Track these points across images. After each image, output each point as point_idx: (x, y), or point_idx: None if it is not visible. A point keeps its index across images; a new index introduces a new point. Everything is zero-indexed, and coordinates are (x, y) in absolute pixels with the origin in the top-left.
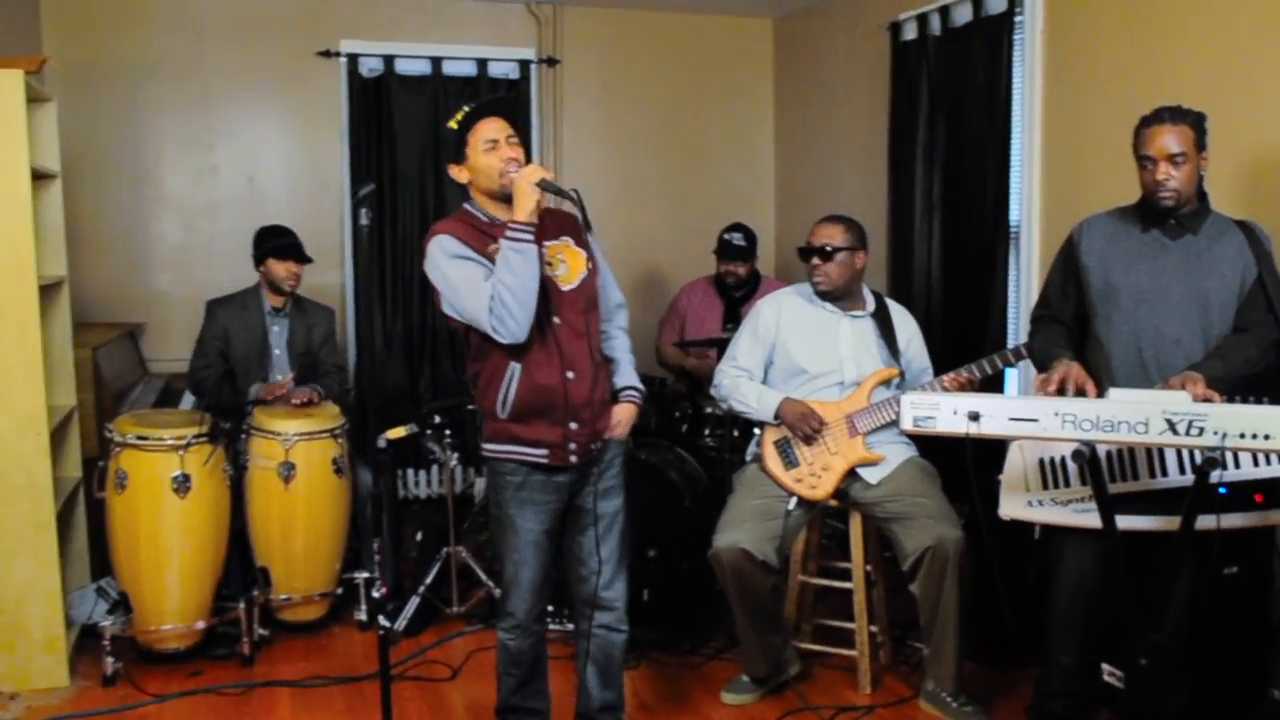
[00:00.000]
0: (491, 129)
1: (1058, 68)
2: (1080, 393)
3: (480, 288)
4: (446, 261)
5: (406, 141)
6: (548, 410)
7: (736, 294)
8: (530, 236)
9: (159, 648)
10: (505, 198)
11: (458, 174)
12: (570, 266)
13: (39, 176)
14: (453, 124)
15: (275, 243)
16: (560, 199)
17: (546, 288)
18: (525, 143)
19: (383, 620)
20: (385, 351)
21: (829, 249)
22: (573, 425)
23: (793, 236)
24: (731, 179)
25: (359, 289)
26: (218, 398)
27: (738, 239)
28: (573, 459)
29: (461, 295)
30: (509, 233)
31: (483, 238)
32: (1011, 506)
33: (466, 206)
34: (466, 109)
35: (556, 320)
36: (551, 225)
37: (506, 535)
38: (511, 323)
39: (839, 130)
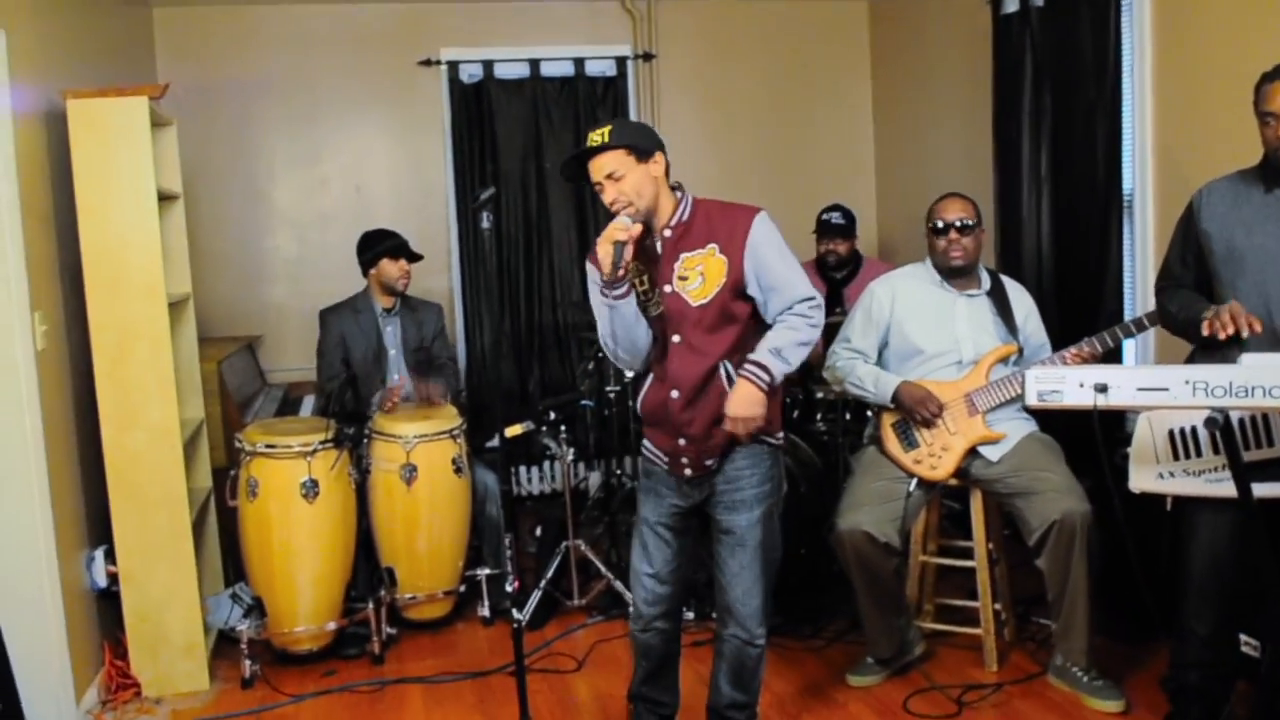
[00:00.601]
0: (595, 170)
1: (1168, 29)
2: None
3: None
4: (590, 288)
5: (508, 144)
6: (659, 422)
7: (838, 275)
8: (613, 294)
9: (293, 649)
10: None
11: (652, 166)
12: (707, 279)
13: (163, 198)
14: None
15: (387, 244)
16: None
17: (669, 303)
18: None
19: (516, 614)
20: (495, 352)
21: (966, 224)
22: (681, 441)
23: (894, 218)
24: (831, 164)
25: (467, 290)
26: (341, 404)
27: (836, 217)
28: (687, 472)
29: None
30: (600, 288)
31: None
32: (1142, 479)
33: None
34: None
35: (676, 339)
36: (701, 229)
37: (636, 520)
38: (619, 359)
39: (940, 108)
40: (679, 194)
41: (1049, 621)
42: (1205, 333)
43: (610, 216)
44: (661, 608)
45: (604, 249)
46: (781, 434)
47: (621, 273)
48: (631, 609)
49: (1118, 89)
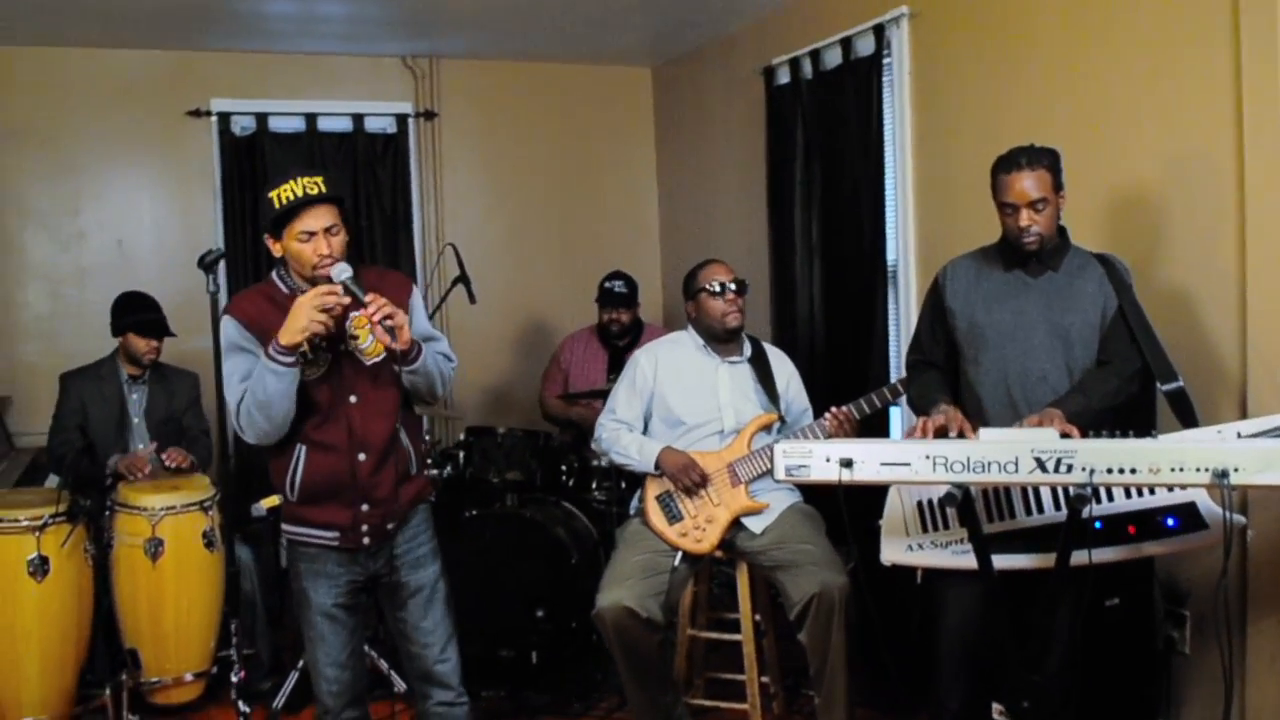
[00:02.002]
0: (312, 221)
1: (926, 107)
2: (961, 436)
3: (238, 386)
4: (225, 350)
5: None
6: (336, 493)
7: (620, 343)
8: (290, 360)
9: None
10: (314, 281)
11: (272, 245)
12: (376, 340)
13: None
14: (274, 198)
15: (137, 318)
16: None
17: (342, 363)
18: (405, 197)
19: (242, 706)
20: None
21: (742, 285)
22: (364, 507)
23: (678, 284)
24: (616, 227)
25: None
26: (76, 472)
27: (619, 286)
28: (365, 540)
29: (227, 387)
30: (270, 350)
31: (279, 313)
32: (892, 551)
33: (274, 276)
34: (290, 193)
35: (353, 399)
36: (369, 288)
37: (303, 610)
38: (253, 432)
39: (720, 175)
40: None
41: (814, 694)
42: (907, 434)
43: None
44: (348, 696)
45: (306, 307)
46: (432, 492)
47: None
48: (319, 707)
49: (881, 163)
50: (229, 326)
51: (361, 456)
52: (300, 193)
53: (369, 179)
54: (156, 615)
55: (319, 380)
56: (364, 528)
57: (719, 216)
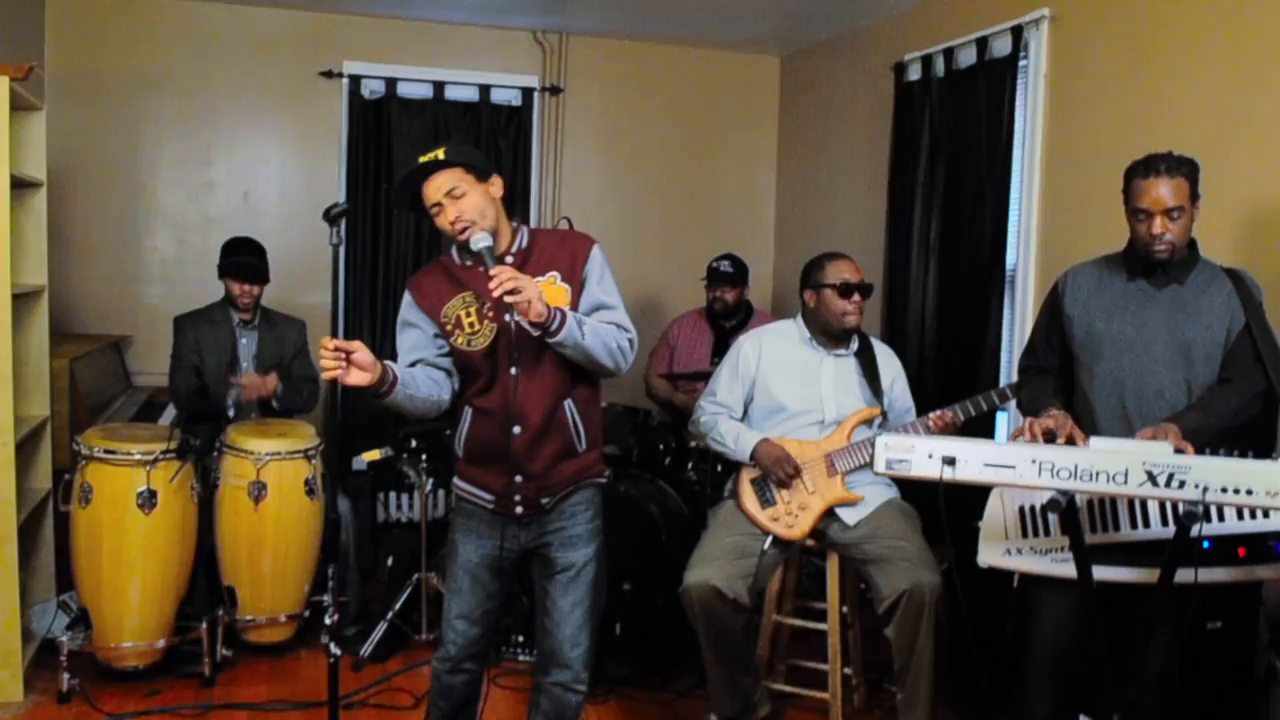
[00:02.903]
0: (431, 192)
1: (1060, 112)
2: (1070, 443)
3: (405, 357)
4: (398, 322)
5: (405, 164)
6: (492, 460)
7: (727, 324)
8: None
9: (118, 665)
10: (465, 248)
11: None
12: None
13: (22, 184)
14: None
15: (229, 260)
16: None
17: (510, 331)
18: (525, 169)
19: (333, 648)
20: None
21: (867, 286)
22: (518, 478)
23: (791, 272)
24: (732, 213)
25: (350, 308)
26: (191, 408)
27: (725, 265)
28: (519, 510)
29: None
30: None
31: (454, 285)
32: (990, 554)
33: (453, 248)
34: (411, 167)
35: (513, 370)
36: (541, 256)
37: (450, 562)
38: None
39: (841, 168)
40: (514, 223)
41: (897, 690)
42: (1015, 434)
43: (448, 241)
44: (471, 650)
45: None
46: (608, 473)
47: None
48: (439, 649)
49: (1008, 165)
50: (405, 300)
51: (517, 430)
52: (416, 164)
53: (492, 149)
54: (255, 556)
55: (483, 352)
56: (517, 497)
57: (837, 210)
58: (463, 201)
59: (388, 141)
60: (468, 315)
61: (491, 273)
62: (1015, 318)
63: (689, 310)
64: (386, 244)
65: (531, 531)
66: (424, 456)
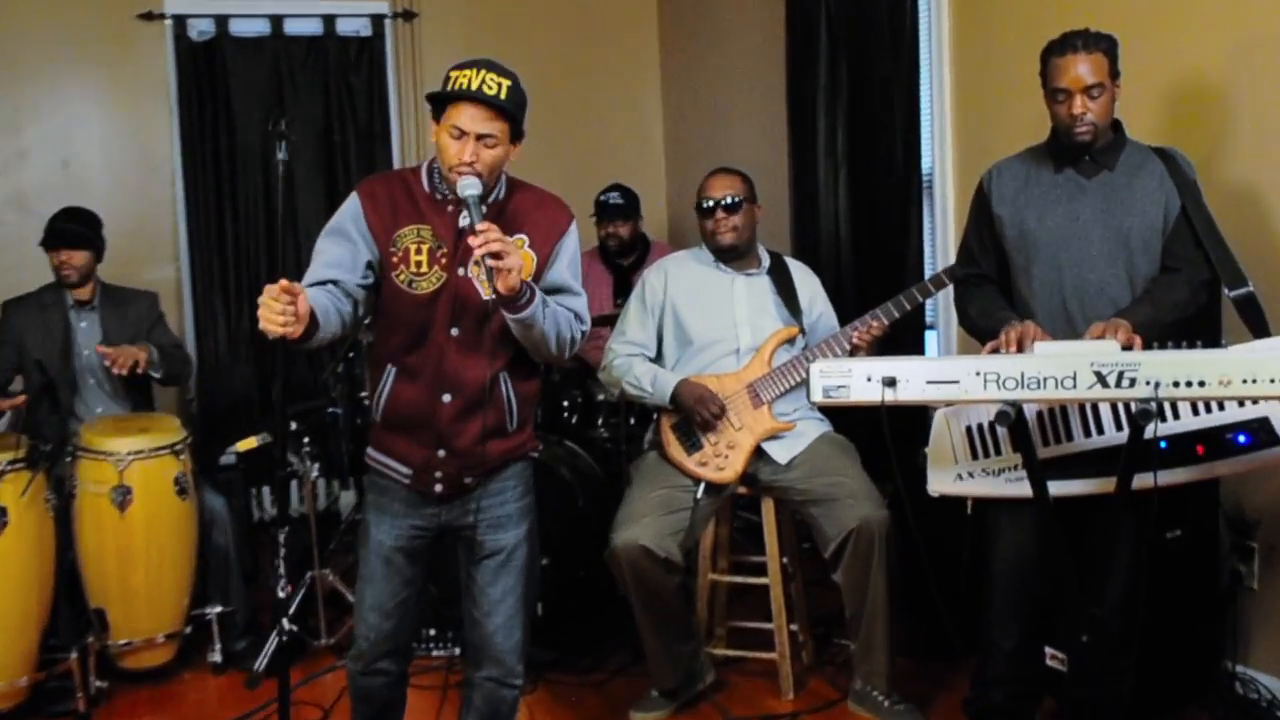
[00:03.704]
0: (468, 120)
1: (966, 2)
2: None
3: (320, 271)
4: (328, 226)
5: (246, 113)
6: (413, 428)
7: (624, 262)
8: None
9: None
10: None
11: (432, 130)
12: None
13: None
14: (449, 76)
15: (47, 229)
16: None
17: (457, 286)
18: (383, 108)
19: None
20: (230, 354)
21: (732, 200)
22: (440, 453)
23: (686, 197)
24: (617, 140)
25: (197, 282)
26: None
27: (614, 197)
28: (438, 488)
29: (308, 270)
30: None
31: (414, 211)
32: (940, 481)
33: (423, 166)
34: (465, 80)
35: (454, 330)
36: (514, 216)
37: (360, 544)
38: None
39: (733, 78)
40: None
41: (849, 642)
42: (984, 353)
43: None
44: (387, 645)
45: (267, 311)
46: (540, 447)
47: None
48: (353, 648)
49: (915, 60)
50: (349, 206)
51: (446, 398)
52: (473, 85)
53: (341, 88)
54: (125, 571)
55: (423, 300)
56: (437, 474)
57: (732, 125)
58: (488, 153)
59: (224, 89)
60: (418, 251)
61: (479, 227)
62: (936, 225)
63: (581, 252)
64: (233, 207)
65: (454, 510)
66: (305, 440)
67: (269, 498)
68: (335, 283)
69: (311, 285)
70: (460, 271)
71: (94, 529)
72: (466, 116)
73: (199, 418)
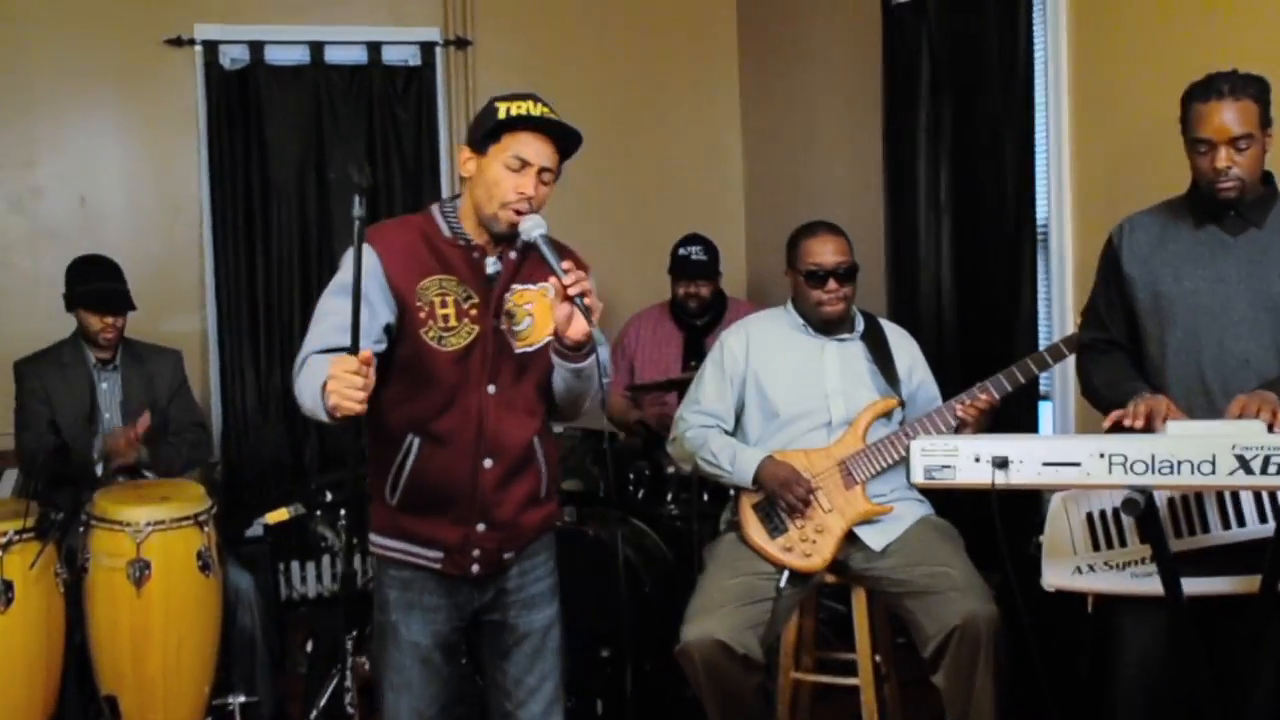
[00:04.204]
0: (533, 152)
1: (1088, 27)
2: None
3: (332, 337)
4: (332, 285)
5: (281, 147)
6: (448, 503)
7: (698, 322)
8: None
9: None
10: (490, 224)
11: (464, 162)
12: (537, 323)
13: None
14: (501, 107)
15: (85, 288)
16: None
17: (489, 338)
18: (432, 143)
19: None
20: (260, 414)
21: (847, 268)
22: (480, 527)
23: (766, 249)
24: (690, 183)
25: (225, 334)
26: (48, 477)
27: (696, 252)
28: (474, 568)
29: (310, 333)
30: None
31: (435, 260)
32: (1056, 574)
33: (434, 211)
34: (527, 108)
35: (491, 389)
36: (537, 262)
37: (388, 649)
38: (310, 412)
39: (821, 116)
40: None
41: None
42: (1105, 426)
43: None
44: None
45: (342, 389)
46: (568, 514)
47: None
48: None
49: (1030, 100)
50: (361, 259)
51: (488, 463)
52: (535, 112)
53: (387, 121)
54: (141, 654)
55: (457, 354)
56: (475, 552)
57: (821, 169)
58: (545, 189)
59: (257, 121)
60: (443, 305)
61: (565, 265)
62: (1052, 283)
63: (648, 306)
64: (265, 249)
65: (485, 593)
66: (341, 512)
67: (299, 574)
68: (347, 350)
69: (320, 352)
70: (493, 323)
71: (107, 607)
72: (532, 147)
73: (224, 485)
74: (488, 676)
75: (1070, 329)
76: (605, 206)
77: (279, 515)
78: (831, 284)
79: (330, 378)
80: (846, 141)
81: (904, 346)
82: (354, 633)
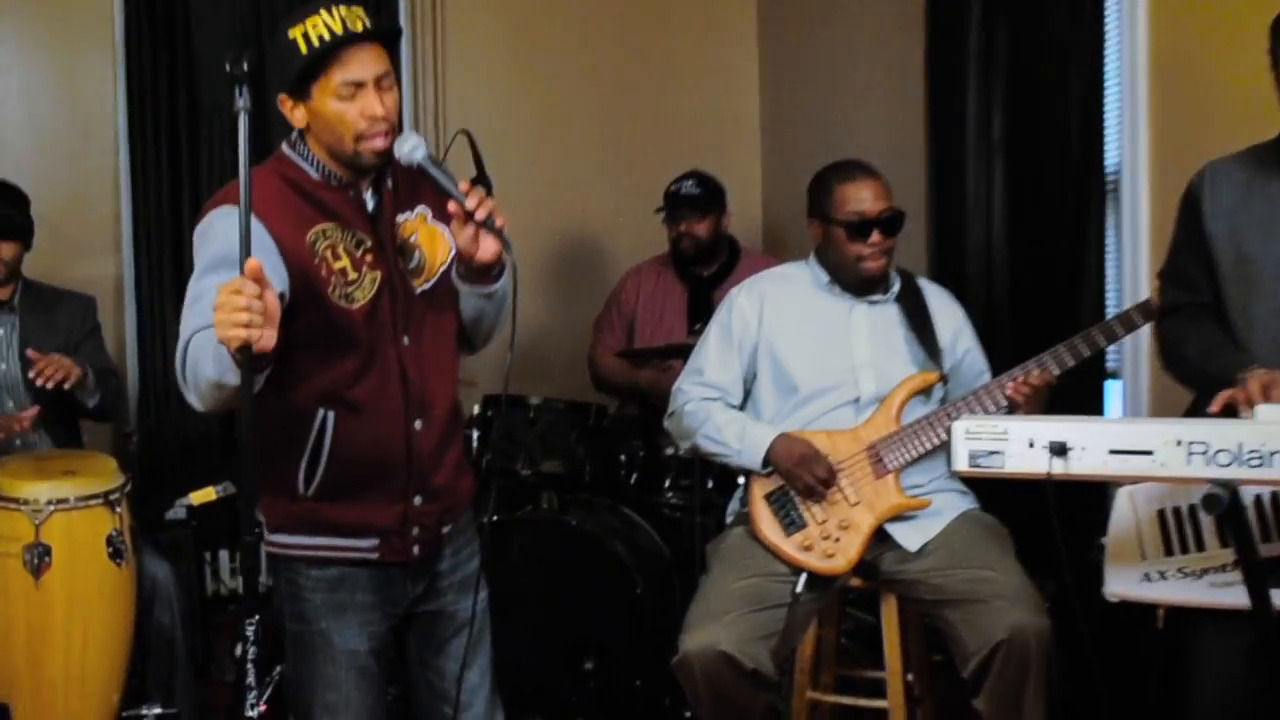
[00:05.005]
0: (358, 67)
1: None
2: None
3: (192, 321)
4: (201, 259)
5: (213, 64)
6: (379, 480)
7: (703, 272)
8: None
9: None
10: (353, 162)
11: (290, 112)
12: (428, 253)
13: None
14: (298, 38)
15: None
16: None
17: (390, 291)
18: (395, 65)
19: None
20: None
21: (893, 216)
22: (417, 500)
23: (786, 193)
24: (696, 116)
25: (144, 279)
26: None
27: (688, 186)
28: (415, 550)
29: (185, 316)
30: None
31: (313, 208)
32: (1121, 582)
33: (288, 152)
34: (324, 28)
35: (406, 340)
36: (407, 184)
37: (317, 663)
38: (202, 403)
39: (853, 40)
40: None
41: None
42: (1214, 409)
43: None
44: None
45: (227, 319)
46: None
47: None
48: None
49: (1100, 19)
50: (231, 222)
51: (418, 425)
52: (339, 28)
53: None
54: (38, 656)
55: (365, 310)
56: (414, 530)
57: (850, 99)
58: (391, 95)
59: (184, 32)
60: (336, 257)
61: (464, 187)
62: (1123, 239)
63: (647, 260)
64: (193, 181)
65: (420, 581)
66: None
67: (228, 566)
68: None
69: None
70: (392, 265)
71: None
72: (357, 63)
73: (140, 458)
74: (416, 680)
75: (1144, 293)
76: (597, 145)
77: (205, 495)
78: (876, 235)
79: (215, 309)
80: (882, 68)
81: (947, 311)
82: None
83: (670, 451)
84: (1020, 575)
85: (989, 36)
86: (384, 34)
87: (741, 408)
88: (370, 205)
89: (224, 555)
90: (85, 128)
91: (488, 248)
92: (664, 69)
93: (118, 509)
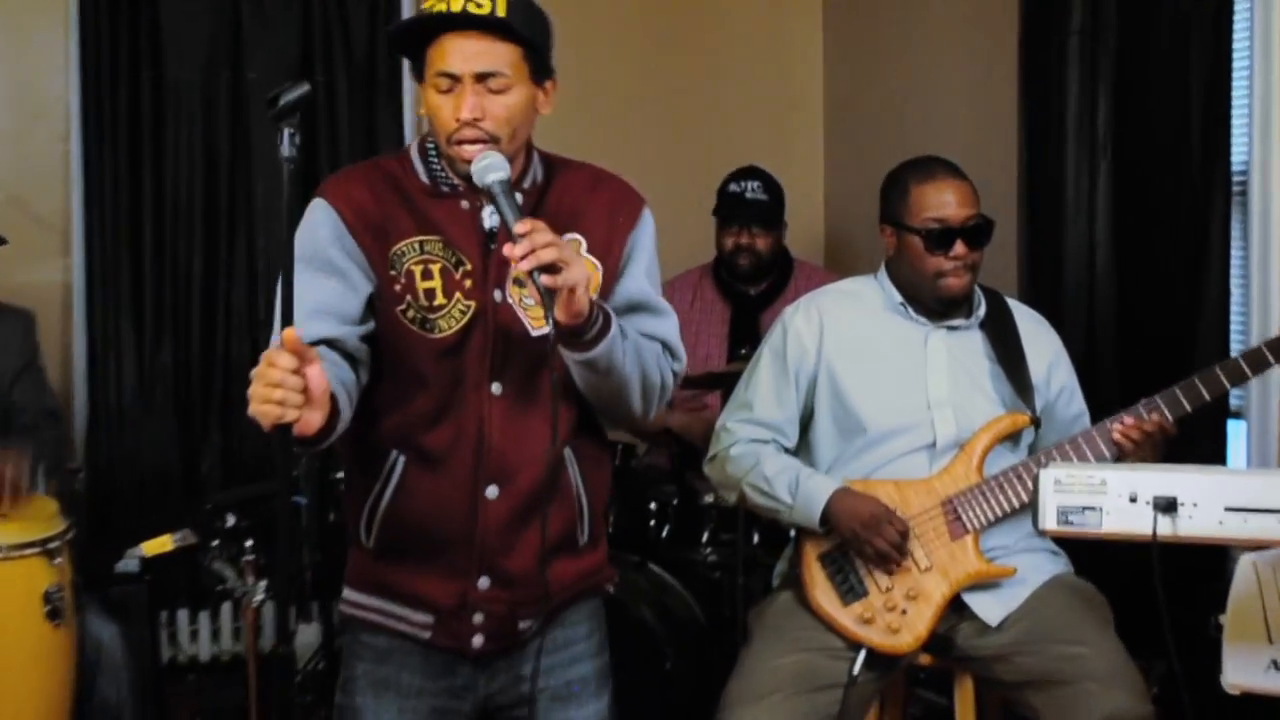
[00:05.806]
0: (457, 58)
1: None
2: None
3: (307, 325)
4: (299, 258)
5: (182, 38)
6: (439, 548)
7: (751, 290)
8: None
9: None
10: (456, 169)
11: (420, 91)
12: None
13: None
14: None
15: None
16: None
17: (490, 319)
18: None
19: None
20: (141, 403)
21: (980, 225)
22: (482, 582)
23: (851, 195)
24: (751, 106)
25: (97, 290)
26: None
27: (753, 189)
28: (476, 640)
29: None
30: None
31: (412, 216)
32: (1242, 670)
33: (413, 150)
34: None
35: (495, 387)
36: (561, 205)
37: None
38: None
39: (934, 20)
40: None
41: None
42: None
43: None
44: None
45: (258, 396)
46: (615, 575)
47: None
48: None
49: (1227, 8)
50: (318, 216)
51: (491, 492)
52: (453, 6)
53: (338, 25)
54: None
55: (448, 342)
56: (476, 618)
57: (929, 88)
58: (499, 100)
59: (150, 5)
60: (426, 276)
61: (518, 229)
62: (1252, 253)
63: (686, 271)
64: (156, 175)
65: (498, 678)
66: (248, 543)
67: (187, 628)
68: (329, 342)
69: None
70: (497, 296)
71: None
72: (457, 52)
73: (87, 500)
74: None
75: (1276, 321)
76: (635, 132)
77: (161, 545)
78: (959, 247)
79: (253, 376)
80: (966, 53)
81: (1041, 340)
82: None
83: (709, 500)
84: (1119, 653)
85: (1095, 13)
86: (492, 24)
87: (796, 450)
88: (488, 222)
89: (182, 616)
90: (32, 110)
91: (561, 306)
92: (716, 52)
93: (57, 560)
